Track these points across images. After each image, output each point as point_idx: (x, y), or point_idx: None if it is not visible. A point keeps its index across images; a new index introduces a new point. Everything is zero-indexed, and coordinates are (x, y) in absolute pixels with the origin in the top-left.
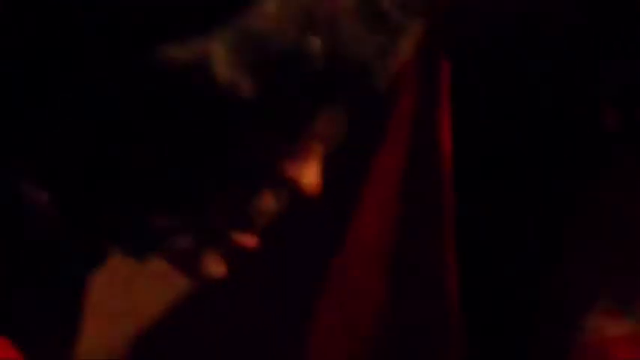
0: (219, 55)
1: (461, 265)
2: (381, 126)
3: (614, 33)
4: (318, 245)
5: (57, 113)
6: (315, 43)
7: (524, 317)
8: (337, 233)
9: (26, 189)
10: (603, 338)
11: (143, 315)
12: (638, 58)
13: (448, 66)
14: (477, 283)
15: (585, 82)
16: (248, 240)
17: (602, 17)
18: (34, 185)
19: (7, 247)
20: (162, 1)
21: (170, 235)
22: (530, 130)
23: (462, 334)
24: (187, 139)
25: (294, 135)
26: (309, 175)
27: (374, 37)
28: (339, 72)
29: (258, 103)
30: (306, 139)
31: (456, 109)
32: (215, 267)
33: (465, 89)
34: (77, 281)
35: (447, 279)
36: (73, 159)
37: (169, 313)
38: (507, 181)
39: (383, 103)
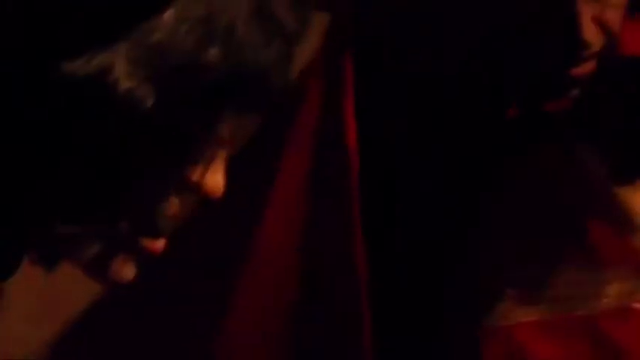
0: (120, 67)
1: (369, 258)
2: (286, 127)
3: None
4: (226, 246)
5: None
6: (214, 52)
7: (437, 305)
8: (246, 234)
9: None
10: (512, 324)
11: (61, 316)
12: (539, 62)
13: (351, 63)
14: (386, 275)
15: (493, 79)
16: (156, 245)
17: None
18: None
19: None
20: (65, 19)
21: (77, 243)
22: (441, 120)
23: (370, 326)
24: (92, 150)
25: (197, 142)
26: (214, 179)
27: (271, 44)
28: (239, 79)
29: (159, 112)
30: (209, 145)
31: (360, 103)
32: (125, 272)
33: (368, 84)
34: None
35: (356, 271)
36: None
37: (87, 314)
38: (416, 172)
39: (286, 105)
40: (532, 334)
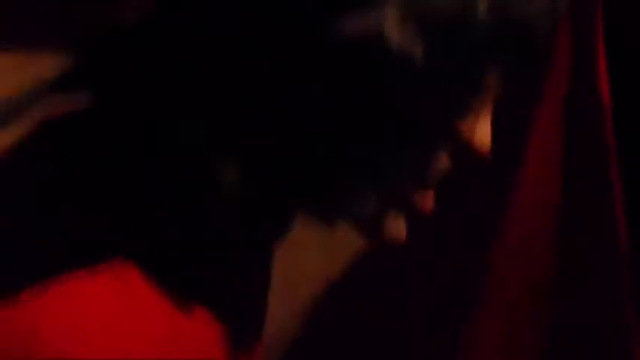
0: (391, 23)
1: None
2: (540, 80)
3: None
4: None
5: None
6: (482, 4)
7: None
8: (500, 198)
9: (211, 168)
10: None
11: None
12: None
13: (601, 18)
14: None
15: None
16: (427, 201)
17: None
18: (221, 164)
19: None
20: None
21: (355, 201)
22: None
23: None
24: (366, 108)
25: (466, 96)
26: (482, 134)
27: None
28: (505, 32)
29: (430, 66)
30: (476, 100)
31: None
32: (397, 230)
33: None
34: (263, 252)
35: (621, 260)
36: (276, 140)
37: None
38: None
39: (543, 59)
40: None
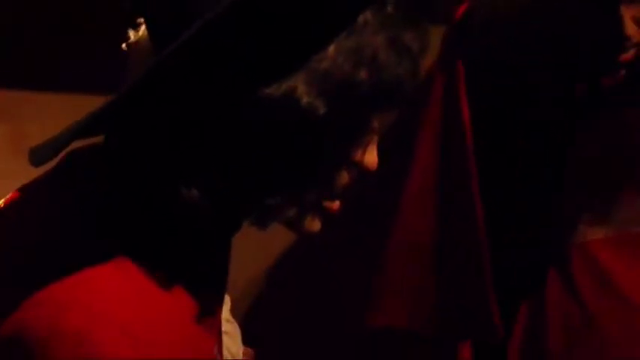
0: (301, 89)
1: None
2: (415, 121)
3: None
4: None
5: (217, 146)
6: (364, 73)
7: (539, 229)
8: (388, 204)
9: (185, 192)
10: (585, 241)
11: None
12: (598, 52)
13: (462, 69)
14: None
15: (562, 68)
16: (334, 205)
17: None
18: (193, 188)
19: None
20: (263, 59)
21: (283, 209)
22: (532, 105)
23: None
24: (289, 149)
25: (359, 133)
26: (370, 158)
27: (403, 64)
28: (382, 90)
29: (330, 117)
30: (366, 134)
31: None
32: (314, 225)
33: (474, 85)
34: (222, 246)
35: (477, 217)
36: (226, 172)
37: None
38: (522, 136)
39: (414, 103)
40: (601, 248)
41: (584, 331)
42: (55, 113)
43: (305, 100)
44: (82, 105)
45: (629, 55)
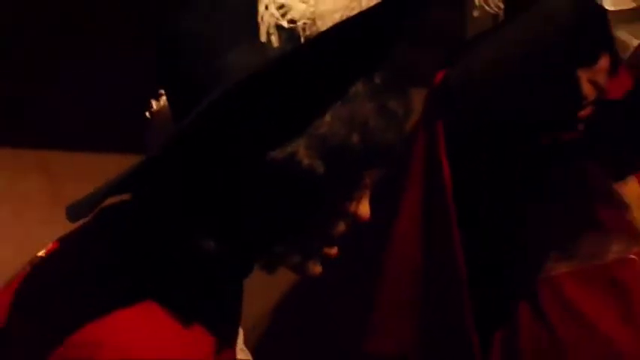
0: (301, 152)
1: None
2: (401, 176)
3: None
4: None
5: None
6: (356, 137)
7: (506, 265)
8: (381, 245)
9: (204, 244)
10: (551, 275)
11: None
12: (558, 110)
13: (442, 130)
14: (479, 250)
15: (529, 125)
16: (332, 251)
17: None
18: (210, 239)
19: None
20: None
21: (288, 255)
22: (499, 154)
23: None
24: (294, 204)
25: (353, 188)
26: (364, 209)
27: (390, 128)
28: (373, 151)
29: (328, 176)
30: (359, 189)
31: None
32: (315, 269)
33: (453, 142)
34: (236, 287)
35: (457, 258)
36: (239, 225)
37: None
38: (488, 191)
39: (401, 161)
40: (566, 280)
41: (553, 353)
42: (90, 172)
43: (306, 162)
44: (112, 164)
45: (586, 111)
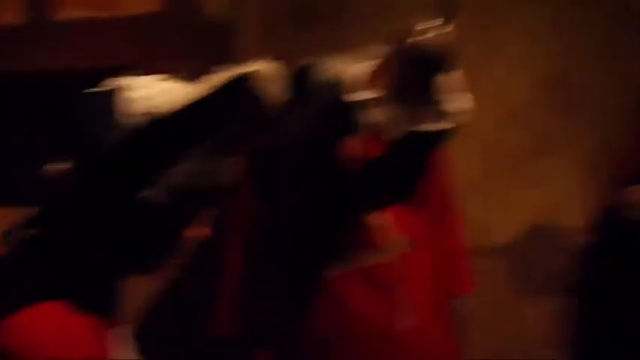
0: (155, 192)
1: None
2: (230, 210)
3: None
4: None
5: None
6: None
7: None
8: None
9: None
10: (331, 277)
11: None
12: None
13: (256, 200)
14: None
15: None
16: (177, 262)
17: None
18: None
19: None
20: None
21: (149, 265)
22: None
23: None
24: (150, 229)
25: (192, 218)
26: (202, 231)
27: (219, 178)
28: (206, 194)
29: (173, 208)
30: (195, 219)
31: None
32: (168, 272)
33: (267, 201)
34: (114, 285)
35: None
36: (112, 245)
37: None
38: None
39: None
40: (340, 280)
41: (335, 327)
42: None
43: (157, 199)
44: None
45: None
